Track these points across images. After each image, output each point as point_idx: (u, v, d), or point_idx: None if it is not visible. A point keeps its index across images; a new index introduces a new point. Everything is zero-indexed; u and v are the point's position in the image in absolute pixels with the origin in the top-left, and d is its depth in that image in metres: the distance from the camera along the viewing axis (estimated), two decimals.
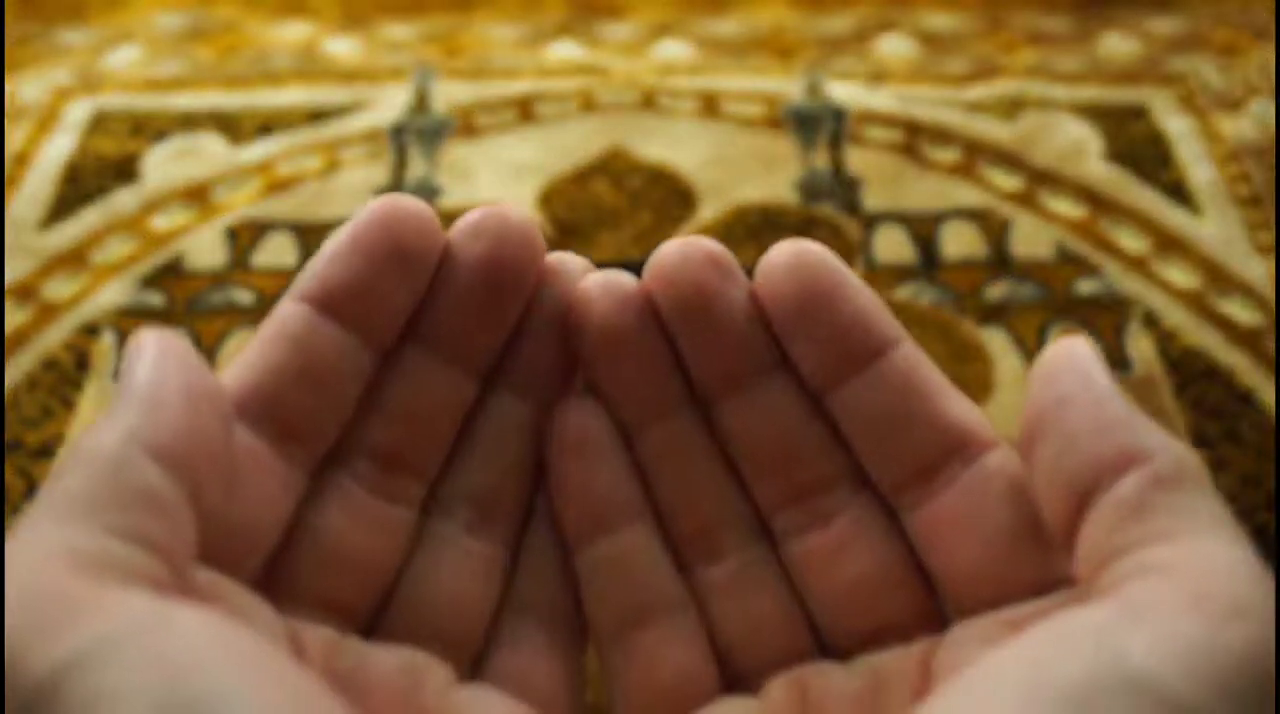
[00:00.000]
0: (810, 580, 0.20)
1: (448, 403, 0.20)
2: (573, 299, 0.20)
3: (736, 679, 0.20)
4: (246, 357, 0.19)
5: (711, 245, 0.20)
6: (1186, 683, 0.14)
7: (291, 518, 0.19)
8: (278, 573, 0.19)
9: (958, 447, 0.19)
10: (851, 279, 0.20)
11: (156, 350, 0.17)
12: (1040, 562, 0.18)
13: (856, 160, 0.62)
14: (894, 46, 0.72)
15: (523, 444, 0.21)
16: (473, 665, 0.20)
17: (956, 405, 0.20)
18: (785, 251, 0.20)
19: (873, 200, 0.59)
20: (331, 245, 0.19)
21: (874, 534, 0.20)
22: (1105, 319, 0.53)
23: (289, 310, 0.19)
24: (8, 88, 0.68)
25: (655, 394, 0.20)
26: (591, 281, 0.20)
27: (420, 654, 0.19)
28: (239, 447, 0.18)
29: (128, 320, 0.54)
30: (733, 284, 0.20)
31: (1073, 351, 0.18)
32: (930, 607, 0.20)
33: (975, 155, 0.62)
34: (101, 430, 0.16)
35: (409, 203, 0.19)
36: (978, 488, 0.19)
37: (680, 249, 0.20)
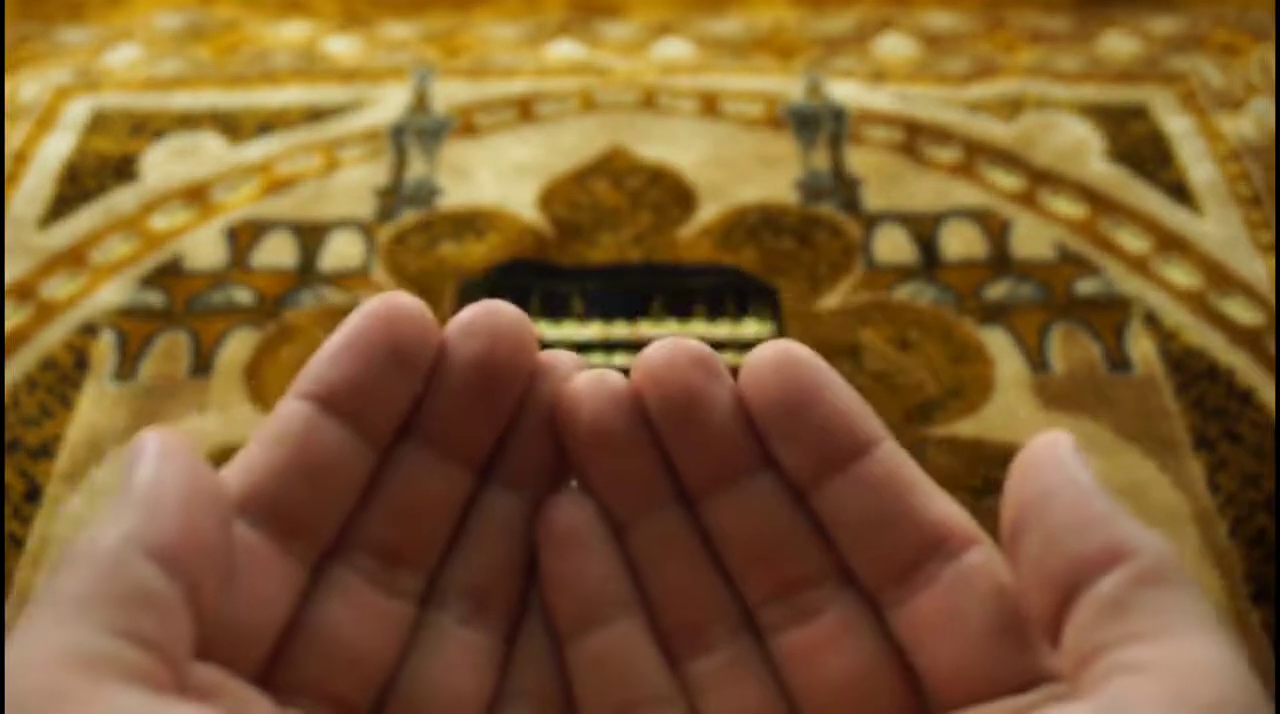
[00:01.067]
0: (796, 675, 0.20)
1: (445, 497, 0.21)
2: (563, 397, 0.21)
3: None
4: (249, 455, 0.20)
5: (697, 347, 0.21)
6: None
7: (293, 613, 0.19)
8: (279, 667, 0.19)
9: (938, 544, 0.20)
10: (834, 379, 0.20)
11: (158, 451, 0.18)
12: (1022, 658, 0.18)
13: (856, 160, 0.62)
14: (894, 46, 0.72)
15: (517, 538, 0.21)
16: None
17: (937, 503, 0.20)
18: (769, 352, 0.20)
19: (873, 200, 0.59)
20: (331, 345, 0.20)
21: (859, 630, 0.20)
22: (1106, 319, 0.53)
23: (290, 409, 0.20)
24: (7, 87, 0.68)
25: (644, 490, 0.21)
26: (581, 380, 0.21)
27: None
28: (242, 544, 0.19)
29: (127, 320, 0.54)
30: (718, 384, 0.20)
31: (1055, 445, 0.19)
32: (915, 703, 0.20)
33: (975, 155, 0.62)
34: (100, 531, 0.16)
35: (405, 302, 0.20)
36: (958, 586, 0.19)
37: (667, 350, 0.20)
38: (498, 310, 0.21)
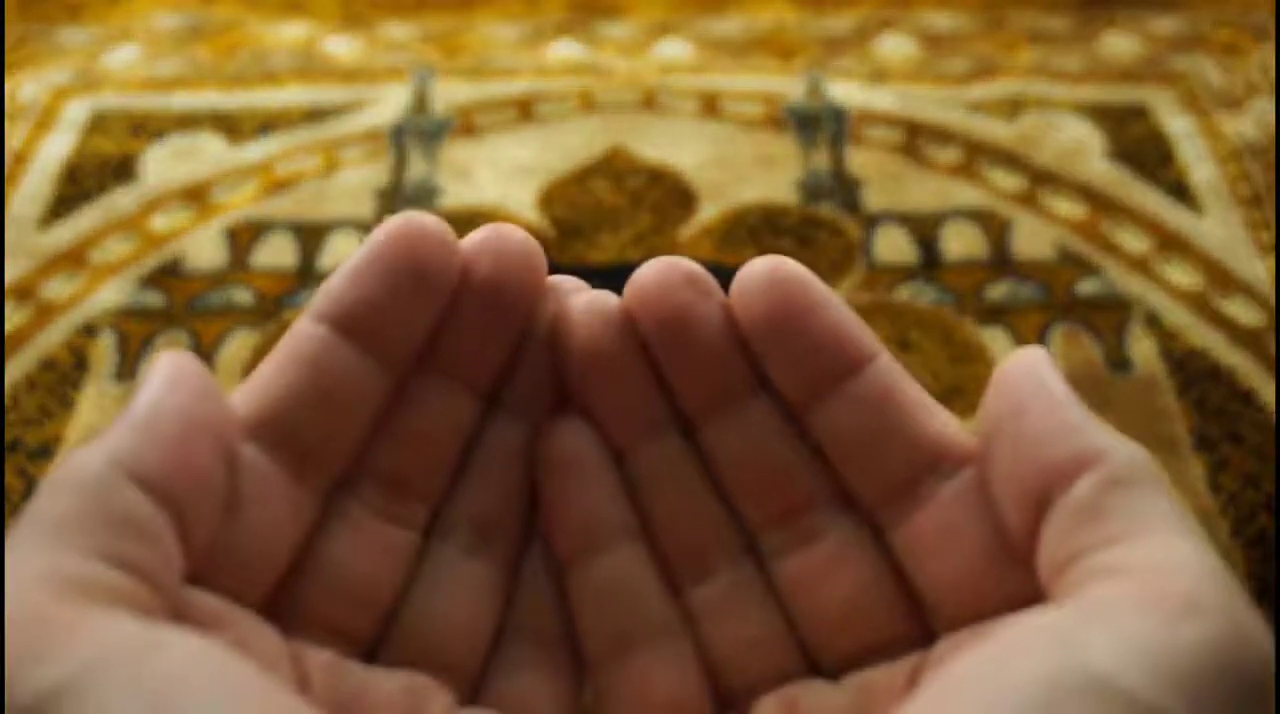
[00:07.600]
0: (799, 600, 0.20)
1: (453, 424, 0.20)
2: (558, 320, 0.20)
3: (727, 699, 0.20)
4: (262, 377, 0.19)
5: (689, 265, 0.20)
6: (1145, 681, 0.14)
7: (301, 544, 0.19)
8: (284, 597, 0.19)
9: (935, 461, 0.19)
10: (826, 294, 0.20)
11: (166, 375, 0.17)
12: (1023, 573, 0.18)
13: (857, 160, 0.62)
14: (894, 46, 0.72)
15: (521, 466, 0.21)
16: (472, 689, 0.20)
17: (934, 418, 0.19)
18: (759, 269, 0.20)
19: (873, 200, 0.59)
20: (350, 264, 0.19)
21: (860, 552, 0.20)
22: (1107, 320, 0.53)
23: (306, 330, 0.19)
24: (7, 87, 0.68)
25: (641, 414, 0.20)
26: (575, 303, 0.20)
27: (421, 678, 0.19)
28: (254, 472, 0.18)
29: (127, 320, 0.53)
30: (710, 304, 0.20)
31: (1029, 360, 0.18)
32: (917, 621, 0.20)
33: (976, 155, 0.62)
34: (85, 454, 0.16)
35: (428, 221, 0.19)
36: (957, 502, 0.19)
37: (658, 269, 0.20)
38: (505, 232, 0.20)
